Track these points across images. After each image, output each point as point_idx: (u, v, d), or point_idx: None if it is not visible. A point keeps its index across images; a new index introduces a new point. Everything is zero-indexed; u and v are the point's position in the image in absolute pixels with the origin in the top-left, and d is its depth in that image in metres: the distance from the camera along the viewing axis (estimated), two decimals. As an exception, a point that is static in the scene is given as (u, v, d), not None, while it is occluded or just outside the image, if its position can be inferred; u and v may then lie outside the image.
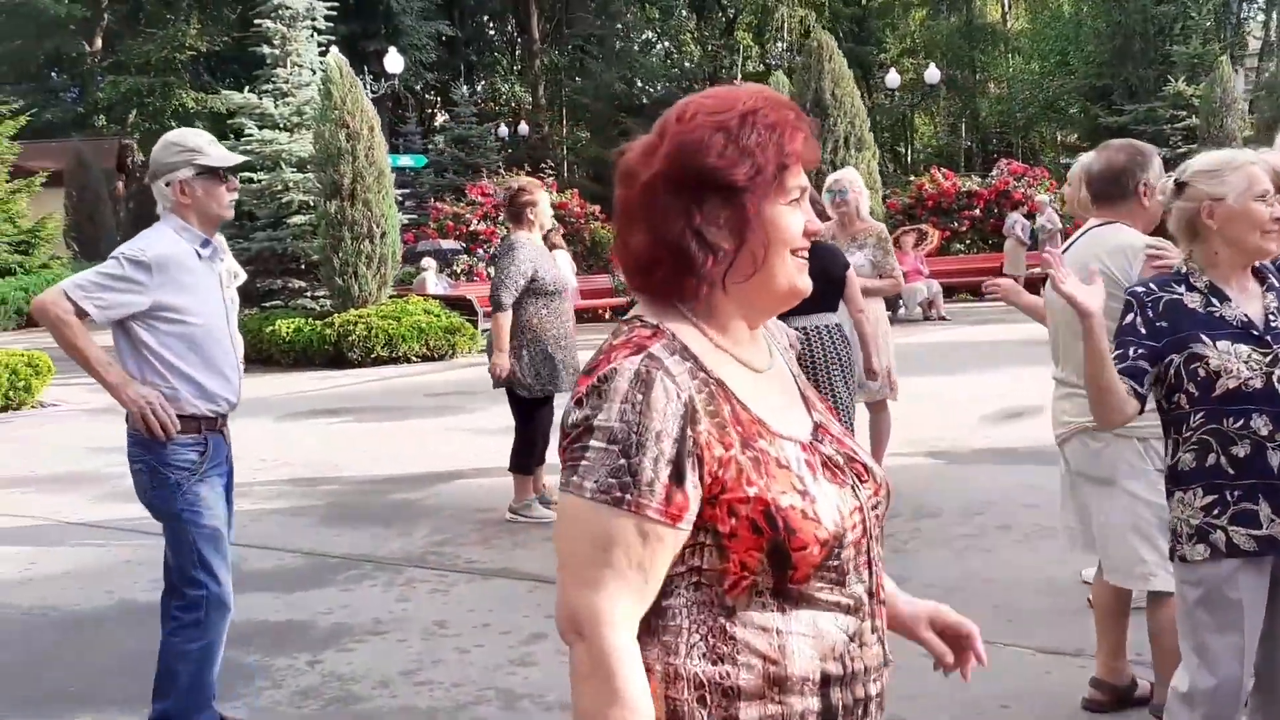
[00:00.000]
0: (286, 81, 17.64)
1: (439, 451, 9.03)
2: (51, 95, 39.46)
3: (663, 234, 1.52)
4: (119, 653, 4.83)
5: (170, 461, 3.54)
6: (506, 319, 6.53)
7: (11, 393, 12.10)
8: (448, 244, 20.24)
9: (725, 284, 1.55)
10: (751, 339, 1.63)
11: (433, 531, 6.61)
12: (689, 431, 1.46)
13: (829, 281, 5.59)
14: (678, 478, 1.45)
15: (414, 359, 15.48)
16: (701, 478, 1.47)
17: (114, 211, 31.69)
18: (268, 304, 17.33)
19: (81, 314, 3.45)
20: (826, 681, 1.52)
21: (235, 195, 3.77)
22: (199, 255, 3.66)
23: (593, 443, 1.46)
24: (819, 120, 15.06)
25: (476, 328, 16.47)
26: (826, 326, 5.83)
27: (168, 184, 3.65)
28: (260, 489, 7.78)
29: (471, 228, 20.66)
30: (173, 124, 40.15)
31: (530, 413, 6.71)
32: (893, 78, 34.88)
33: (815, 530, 1.49)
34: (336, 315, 15.55)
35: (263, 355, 15.55)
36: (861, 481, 1.60)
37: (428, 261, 18.58)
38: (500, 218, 20.93)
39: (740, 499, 1.48)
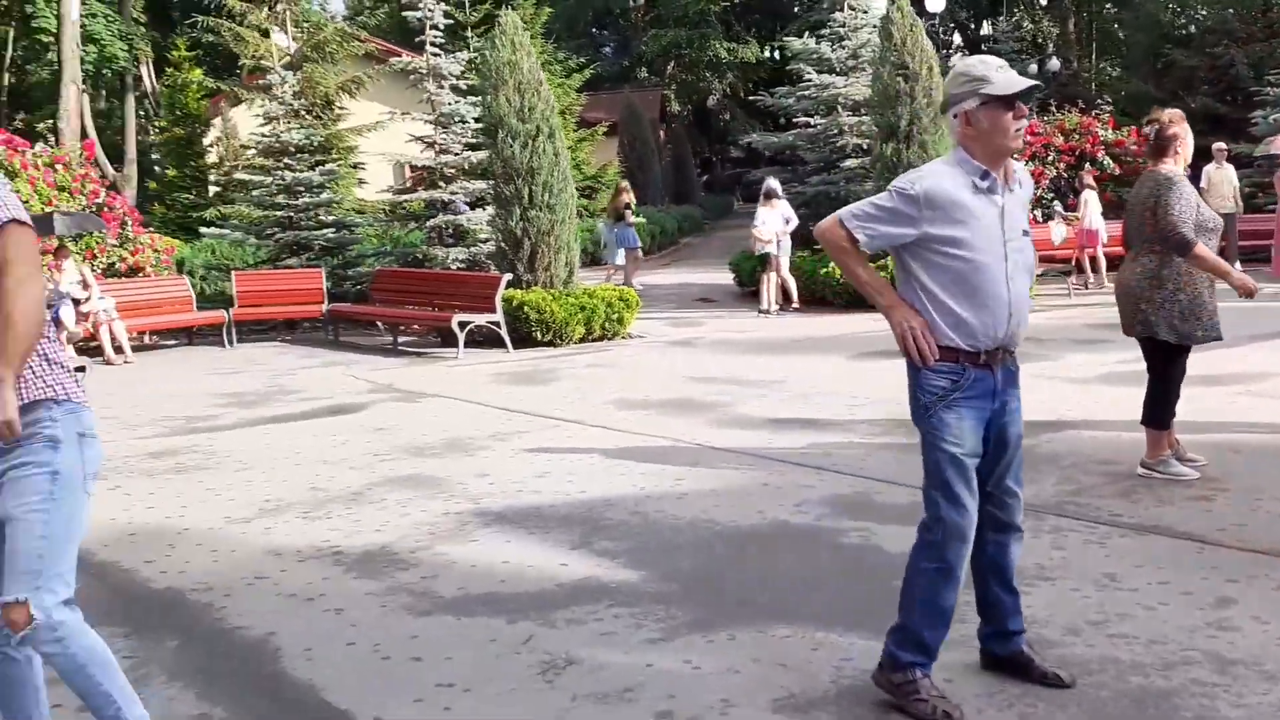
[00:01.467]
0: (843, 25, 17.82)
1: (1030, 399, 8.76)
2: (596, 51, 42.79)
3: None
4: (792, 569, 5.08)
5: (922, 384, 3.64)
6: (1204, 250, 6.01)
7: (607, 324, 13.33)
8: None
9: None
10: None
11: (1061, 480, 6.41)
12: None
13: None
14: None
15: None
16: None
17: (659, 160, 33.86)
18: (819, 247, 17.65)
19: (853, 240, 3.59)
20: None
21: (1024, 123, 3.60)
22: (975, 187, 3.57)
23: None
24: None
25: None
26: None
27: (955, 115, 3.62)
28: (861, 425, 8.05)
29: (1019, 169, 19.94)
30: (707, 75, 42.27)
31: (1173, 360, 6.31)
32: None
33: None
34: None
35: (816, 296, 15.97)
36: None
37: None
38: (1049, 158, 20.05)
39: None
